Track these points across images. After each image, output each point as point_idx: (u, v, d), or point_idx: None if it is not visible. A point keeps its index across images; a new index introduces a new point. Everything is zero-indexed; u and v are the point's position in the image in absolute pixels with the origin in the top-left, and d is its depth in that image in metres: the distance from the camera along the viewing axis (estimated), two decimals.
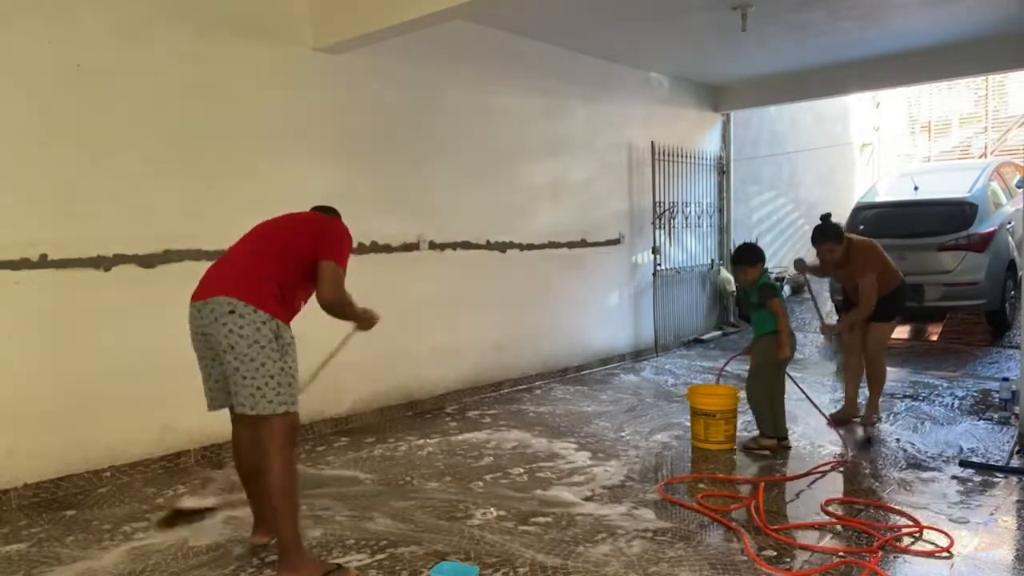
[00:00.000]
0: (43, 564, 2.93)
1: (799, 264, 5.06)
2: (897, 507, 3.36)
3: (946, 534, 3.03)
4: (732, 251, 4.79)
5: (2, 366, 3.61)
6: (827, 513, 3.30)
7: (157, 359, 4.10)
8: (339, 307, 2.77)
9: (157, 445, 4.13)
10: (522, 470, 4.01)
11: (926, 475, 3.82)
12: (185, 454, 4.22)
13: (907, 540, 3.02)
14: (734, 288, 8.95)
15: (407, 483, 3.82)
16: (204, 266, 4.29)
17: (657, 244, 7.77)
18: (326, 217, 2.96)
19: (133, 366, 4.02)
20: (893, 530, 3.10)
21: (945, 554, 2.88)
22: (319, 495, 3.64)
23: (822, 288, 9.94)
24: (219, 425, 4.37)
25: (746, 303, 4.65)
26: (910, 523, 3.16)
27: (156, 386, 4.10)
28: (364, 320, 2.97)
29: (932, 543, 2.98)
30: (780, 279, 9.93)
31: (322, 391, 4.84)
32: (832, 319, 5.04)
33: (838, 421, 4.80)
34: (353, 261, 5.13)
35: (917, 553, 2.90)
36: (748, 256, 4.49)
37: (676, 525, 3.21)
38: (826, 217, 4.86)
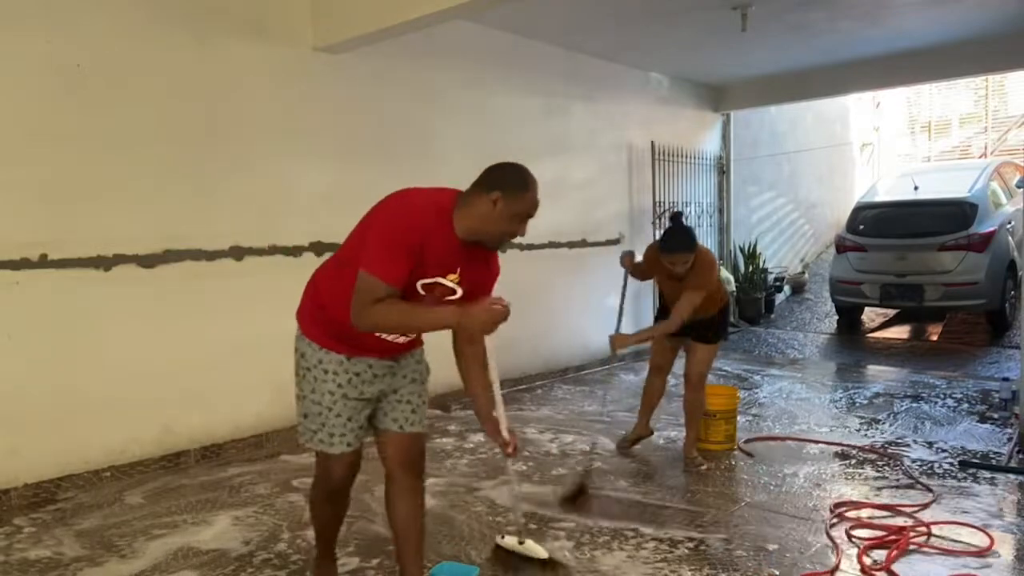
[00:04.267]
0: (60, 568, 2.93)
1: (627, 257, 4.29)
2: (898, 508, 3.36)
3: (946, 536, 3.03)
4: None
5: (2, 366, 3.61)
6: (836, 515, 3.30)
7: (157, 359, 4.10)
8: (372, 329, 2.14)
9: (157, 445, 4.13)
10: (524, 469, 4.01)
11: (926, 476, 3.82)
12: (185, 454, 4.22)
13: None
14: (734, 288, 8.96)
15: None
16: (204, 266, 4.36)
17: None
18: (388, 197, 2.19)
19: (133, 366, 4.02)
20: (896, 530, 3.10)
21: (945, 554, 2.88)
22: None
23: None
24: (219, 425, 4.40)
25: None
26: (912, 523, 3.16)
27: (156, 386, 4.10)
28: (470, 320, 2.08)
29: (933, 543, 2.98)
30: (780, 279, 9.93)
31: None
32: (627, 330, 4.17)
33: (628, 443, 4.38)
34: None
35: (918, 554, 2.90)
36: None
37: (676, 525, 3.21)
38: (677, 217, 4.07)
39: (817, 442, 4.44)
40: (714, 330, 4.11)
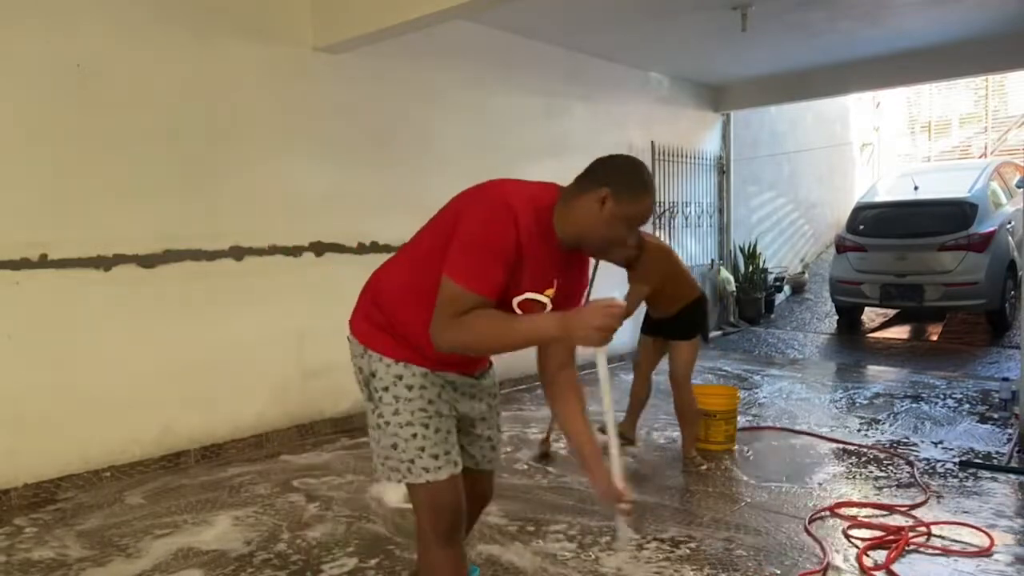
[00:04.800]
0: (64, 568, 2.93)
1: None
2: (899, 508, 3.36)
3: (946, 536, 3.03)
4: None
5: (2, 366, 3.61)
6: (837, 516, 3.30)
7: (157, 359, 4.10)
8: (453, 348, 1.75)
9: (157, 445, 4.13)
10: (526, 469, 4.01)
11: (926, 476, 3.82)
12: (185, 454, 4.21)
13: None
14: (734, 288, 8.96)
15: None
16: (204, 266, 4.36)
17: None
18: (480, 190, 1.81)
19: (133, 366, 4.02)
20: (899, 531, 3.10)
21: (947, 555, 2.88)
22: (320, 495, 3.64)
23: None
24: (219, 425, 4.40)
25: None
26: (912, 523, 3.16)
27: (156, 386, 4.10)
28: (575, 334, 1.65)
29: (933, 543, 2.98)
30: (780, 279, 9.94)
31: (322, 391, 4.87)
32: None
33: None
34: (352, 262, 5.24)
35: (920, 554, 2.90)
36: None
37: (677, 525, 3.22)
38: None
39: (828, 439, 4.44)
40: (687, 328, 4.09)
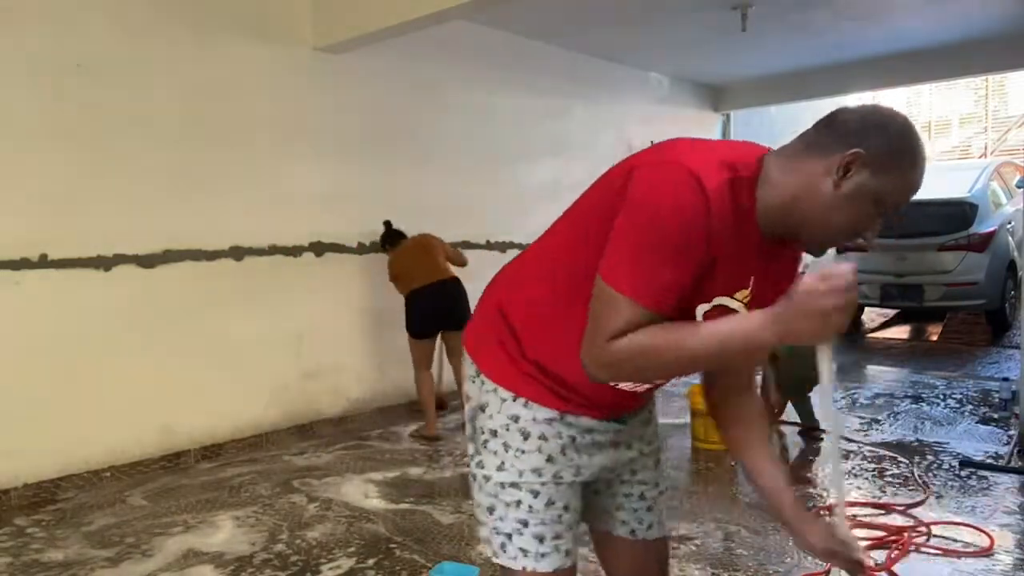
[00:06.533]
0: (73, 568, 2.93)
1: None
2: (898, 508, 3.35)
3: (947, 536, 3.03)
4: None
5: (2, 366, 3.61)
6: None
7: (157, 359, 4.10)
8: (614, 376, 1.25)
9: (157, 445, 4.13)
10: None
11: (926, 476, 3.82)
12: (185, 454, 4.22)
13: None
14: None
15: (407, 483, 3.82)
16: (204, 266, 4.37)
17: None
18: (651, 156, 1.26)
19: (133, 366, 4.02)
20: (900, 531, 3.10)
21: (947, 555, 2.88)
22: (320, 496, 3.64)
23: None
24: (219, 425, 4.40)
25: None
26: (912, 524, 3.16)
27: (156, 386, 4.10)
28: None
29: (933, 543, 2.98)
30: None
31: (322, 391, 4.87)
32: None
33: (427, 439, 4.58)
34: (352, 262, 5.25)
35: (920, 554, 2.90)
36: None
37: (678, 523, 3.21)
38: (385, 224, 4.95)
39: (845, 439, 4.44)
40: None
